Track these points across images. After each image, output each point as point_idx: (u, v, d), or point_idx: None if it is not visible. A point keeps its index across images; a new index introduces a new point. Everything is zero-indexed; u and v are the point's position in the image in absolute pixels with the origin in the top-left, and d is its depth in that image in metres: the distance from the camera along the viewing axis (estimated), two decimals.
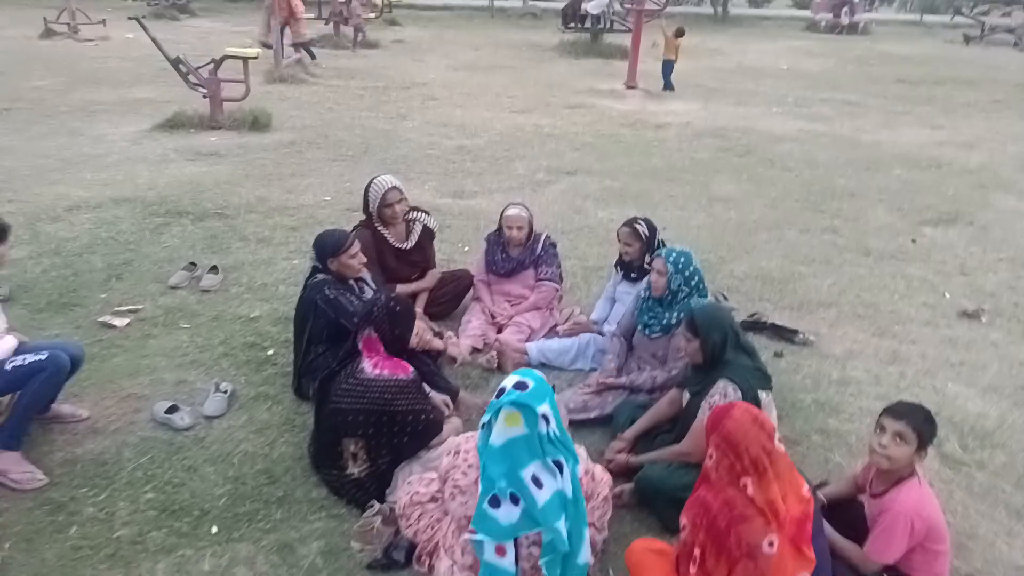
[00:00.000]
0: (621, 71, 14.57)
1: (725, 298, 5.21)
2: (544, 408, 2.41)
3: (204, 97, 9.54)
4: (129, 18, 10.79)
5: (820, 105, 12.95)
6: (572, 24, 19.43)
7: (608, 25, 18.59)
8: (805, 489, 2.49)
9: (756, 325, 4.85)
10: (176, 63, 9.46)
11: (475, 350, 4.38)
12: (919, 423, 2.72)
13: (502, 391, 2.47)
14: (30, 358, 3.35)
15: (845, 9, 25.94)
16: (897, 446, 2.71)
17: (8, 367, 3.31)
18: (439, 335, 4.24)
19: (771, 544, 2.36)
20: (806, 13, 28.59)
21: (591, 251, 6.05)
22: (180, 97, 10.22)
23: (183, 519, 3.07)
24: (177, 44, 10.87)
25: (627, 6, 16.45)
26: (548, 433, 2.44)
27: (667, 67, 13.71)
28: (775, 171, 8.79)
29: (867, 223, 7.07)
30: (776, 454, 2.44)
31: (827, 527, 2.79)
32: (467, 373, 4.22)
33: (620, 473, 3.32)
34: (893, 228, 6.96)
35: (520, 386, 2.44)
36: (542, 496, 2.42)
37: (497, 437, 2.44)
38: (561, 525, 2.46)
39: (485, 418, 2.50)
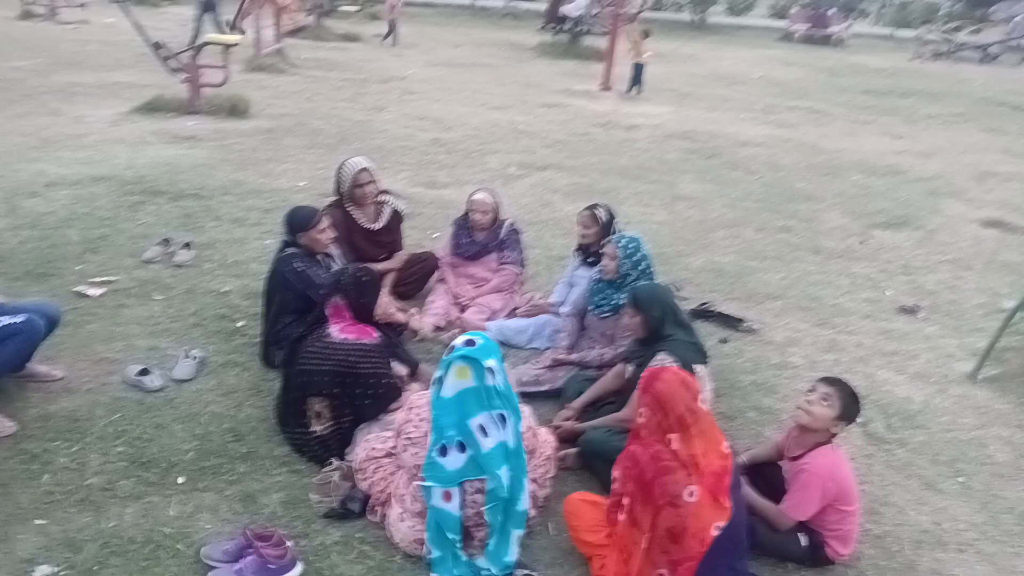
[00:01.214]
0: (597, 73, 14.84)
1: (678, 288, 5.48)
2: (491, 362, 2.65)
3: (182, 83, 9.66)
4: (111, 1, 10.87)
5: (788, 112, 13.32)
6: (551, 25, 19.71)
7: (586, 28, 18.88)
8: (725, 446, 2.75)
9: (704, 313, 5.12)
10: (156, 48, 9.58)
11: (437, 328, 4.60)
12: (846, 395, 3.00)
13: (452, 348, 2.70)
14: (6, 320, 3.52)
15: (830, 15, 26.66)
16: (821, 407, 2.98)
17: None
18: (403, 311, 4.46)
19: (691, 494, 2.61)
20: (782, 23, 29.10)
21: (556, 242, 6.29)
22: (159, 82, 10.31)
23: (152, 470, 3.26)
24: (157, 30, 10.96)
25: (607, 9, 16.71)
26: (495, 387, 2.68)
27: (637, 68, 13.98)
28: (738, 173, 9.10)
29: (821, 224, 7.39)
30: (699, 413, 2.70)
31: (747, 488, 3.05)
32: (429, 348, 4.43)
33: (566, 439, 3.55)
34: (845, 229, 7.29)
35: (469, 343, 2.68)
36: (487, 444, 2.66)
37: (448, 390, 2.67)
38: (503, 473, 2.70)
39: (437, 373, 2.74)
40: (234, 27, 12.98)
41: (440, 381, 2.73)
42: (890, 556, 3.13)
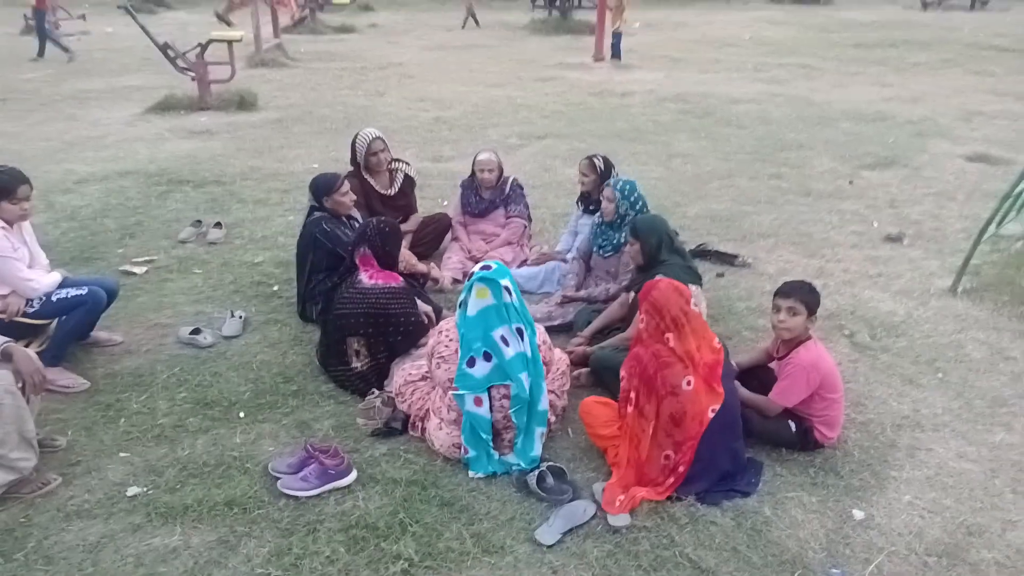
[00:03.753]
0: (590, 46, 15.17)
1: (676, 234, 5.85)
2: (506, 282, 3.05)
3: (192, 80, 10.07)
4: (118, 7, 11.30)
5: (778, 70, 13.62)
6: (542, 2, 19.99)
7: (576, 2, 19.16)
8: (716, 342, 3.15)
9: (701, 253, 5.50)
10: (164, 48, 9.99)
11: (455, 280, 5.00)
12: (805, 295, 3.36)
13: (472, 275, 3.11)
14: (72, 292, 3.96)
15: None
16: (792, 318, 3.35)
17: (54, 299, 3.92)
18: (424, 263, 4.86)
19: (688, 383, 3.02)
20: None
21: (559, 202, 6.68)
22: (167, 83, 10.75)
23: (215, 408, 3.69)
24: (158, 35, 11.37)
25: None
26: (511, 303, 3.08)
27: (615, 37, 14.32)
28: (731, 129, 9.45)
29: (811, 169, 7.75)
30: (691, 314, 3.09)
31: (738, 385, 3.43)
32: (449, 299, 4.84)
33: (579, 363, 3.96)
34: (834, 172, 7.64)
35: (485, 268, 3.08)
36: (508, 352, 3.07)
37: (472, 308, 3.08)
38: (524, 378, 3.11)
39: (461, 297, 3.14)
40: (222, 19, 13.37)
41: (464, 303, 3.14)
42: (873, 438, 3.52)
